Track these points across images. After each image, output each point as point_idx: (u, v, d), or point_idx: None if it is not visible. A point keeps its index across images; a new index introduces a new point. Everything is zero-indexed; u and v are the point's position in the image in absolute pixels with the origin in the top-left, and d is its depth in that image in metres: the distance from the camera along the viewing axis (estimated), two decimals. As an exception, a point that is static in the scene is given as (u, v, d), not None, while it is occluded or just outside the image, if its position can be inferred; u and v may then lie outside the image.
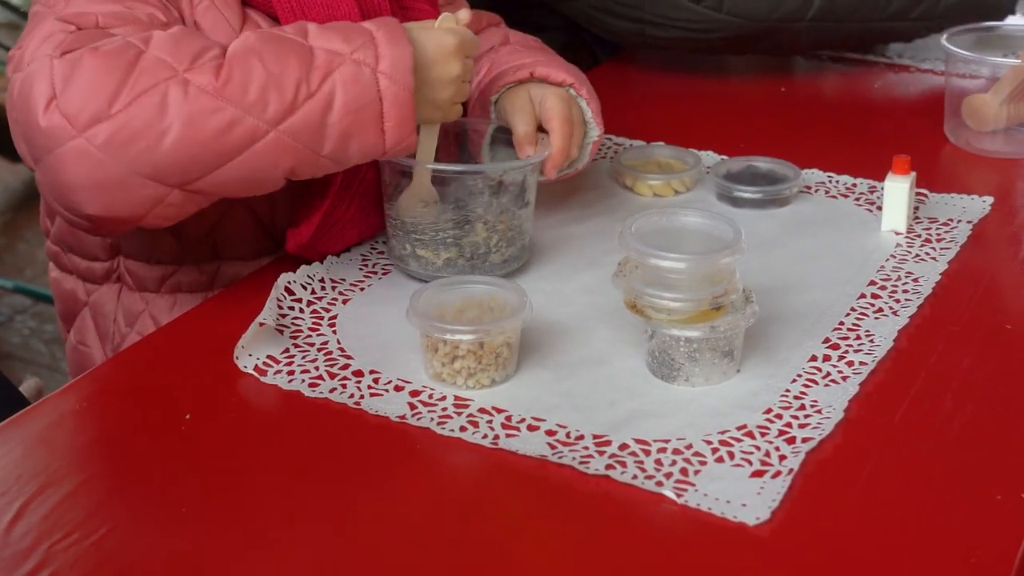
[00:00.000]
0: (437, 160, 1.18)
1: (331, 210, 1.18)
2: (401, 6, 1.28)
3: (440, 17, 1.15)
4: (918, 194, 1.34)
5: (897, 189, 1.28)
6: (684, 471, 0.92)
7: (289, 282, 1.16)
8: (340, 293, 1.18)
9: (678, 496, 0.89)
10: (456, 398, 1.01)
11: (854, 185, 1.41)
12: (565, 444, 0.95)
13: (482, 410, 1.00)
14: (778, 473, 0.92)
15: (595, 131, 1.28)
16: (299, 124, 1.05)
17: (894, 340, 1.09)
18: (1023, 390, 1.03)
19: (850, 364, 1.05)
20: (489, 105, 1.28)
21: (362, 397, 1.02)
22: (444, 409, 1.00)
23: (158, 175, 1.03)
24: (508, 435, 0.97)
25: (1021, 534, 0.85)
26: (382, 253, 1.25)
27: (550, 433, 0.97)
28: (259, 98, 1.04)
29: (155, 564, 0.84)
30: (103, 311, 1.30)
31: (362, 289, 1.19)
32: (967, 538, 0.85)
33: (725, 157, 1.45)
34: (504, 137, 1.25)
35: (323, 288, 1.18)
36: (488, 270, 1.17)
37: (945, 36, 1.54)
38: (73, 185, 1.03)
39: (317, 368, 1.05)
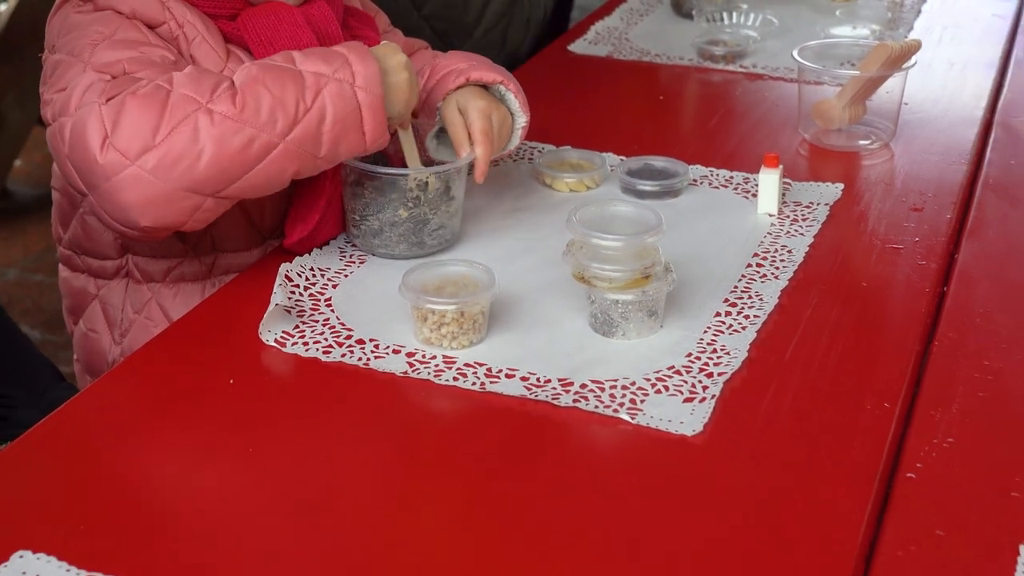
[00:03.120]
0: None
1: (324, 210, 1.43)
2: (352, 35, 1.53)
3: (383, 43, 1.42)
4: (784, 183, 1.64)
5: (769, 179, 1.59)
6: (633, 401, 1.20)
7: (288, 272, 1.41)
8: (329, 279, 1.42)
9: (632, 418, 1.17)
10: (444, 357, 1.27)
11: (731, 177, 1.70)
12: (537, 386, 1.22)
13: (467, 364, 1.26)
14: (704, 399, 1.20)
15: (522, 118, 1.55)
16: (301, 135, 1.30)
17: (778, 298, 1.39)
18: (879, 331, 1.34)
19: (747, 317, 1.35)
20: (435, 110, 1.54)
21: (369, 360, 1.27)
22: (437, 366, 1.26)
23: (197, 188, 1.26)
24: (491, 382, 1.23)
25: (885, 430, 1.15)
26: (355, 247, 1.49)
27: (524, 379, 1.23)
28: (269, 118, 1.28)
29: (228, 483, 1.08)
30: (112, 302, 1.52)
31: (346, 276, 1.44)
32: (846, 436, 1.15)
33: (624, 157, 1.73)
34: (446, 137, 1.52)
35: (314, 275, 1.43)
36: (414, 250, 1.44)
37: (796, 50, 1.85)
38: (130, 204, 1.26)
39: (326, 339, 1.30)
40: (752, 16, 2.28)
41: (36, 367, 1.51)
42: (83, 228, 1.51)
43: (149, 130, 1.24)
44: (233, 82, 1.30)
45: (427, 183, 1.43)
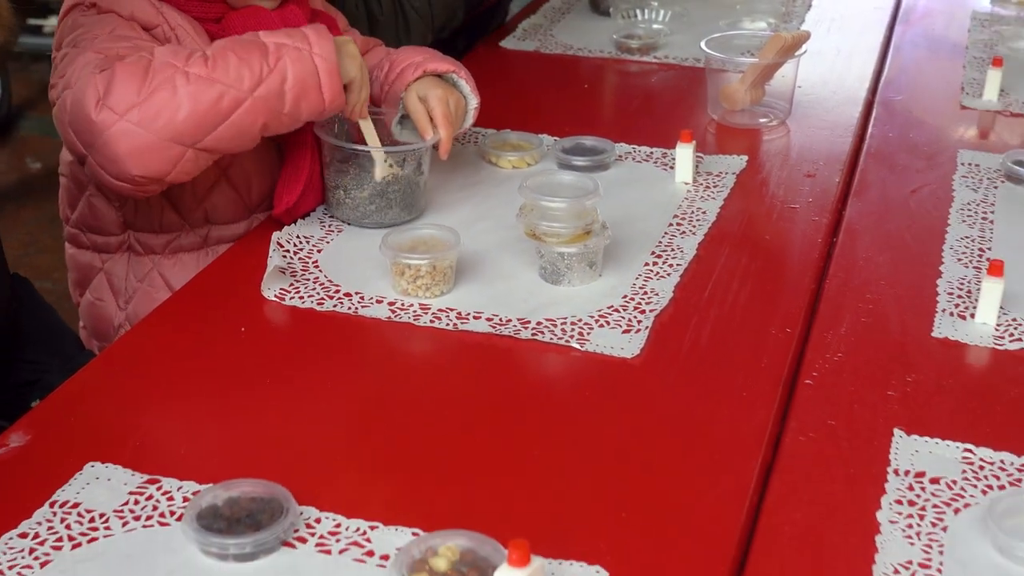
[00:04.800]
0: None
1: (307, 183, 1.66)
2: None
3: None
4: (697, 156, 1.90)
5: (684, 153, 1.84)
6: (581, 333, 1.45)
7: (279, 239, 1.63)
8: (313, 245, 1.65)
9: (581, 346, 1.42)
10: (420, 305, 1.51)
11: (651, 153, 1.96)
12: (501, 325, 1.47)
13: (440, 310, 1.50)
14: (639, 330, 1.46)
15: (474, 100, 1.79)
16: (265, 91, 1.50)
17: (696, 250, 1.65)
18: (780, 273, 1.61)
19: (671, 266, 1.60)
20: (398, 100, 1.77)
21: (356, 308, 1.50)
22: (415, 311, 1.50)
23: (177, 138, 1.47)
24: (462, 323, 1.47)
25: (787, 348, 1.42)
26: (333, 218, 1.72)
27: (489, 320, 1.48)
28: (237, 76, 1.49)
29: (247, 406, 1.31)
30: (116, 273, 1.73)
31: (328, 242, 1.67)
32: (756, 354, 1.41)
33: (557, 138, 1.98)
34: (408, 122, 1.75)
35: (300, 242, 1.66)
36: (393, 218, 1.67)
37: (703, 42, 2.11)
38: (122, 155, 1.46)
39: (318, 293, 1.53)
40: (662, 12, 2.54)
41: (62, 336, 1.71)
42: (89, 208, 1.72)
43: (134, 90, 1.45)
44: (206, 52, 1.51)
45: (404, 160, 1.67)
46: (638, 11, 2.54)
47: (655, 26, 2.50)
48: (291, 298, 1.52)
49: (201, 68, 1.48)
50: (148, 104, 1.45)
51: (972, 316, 1.49)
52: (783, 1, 2.67)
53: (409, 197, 1.70)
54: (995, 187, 1.84)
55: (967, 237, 1.69)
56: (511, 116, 2.06)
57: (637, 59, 2.41)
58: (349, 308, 1.51)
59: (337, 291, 1.54)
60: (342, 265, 1.60)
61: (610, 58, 2.42)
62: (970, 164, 1.92)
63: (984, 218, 1.75)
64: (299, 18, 1.70)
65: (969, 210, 1.77)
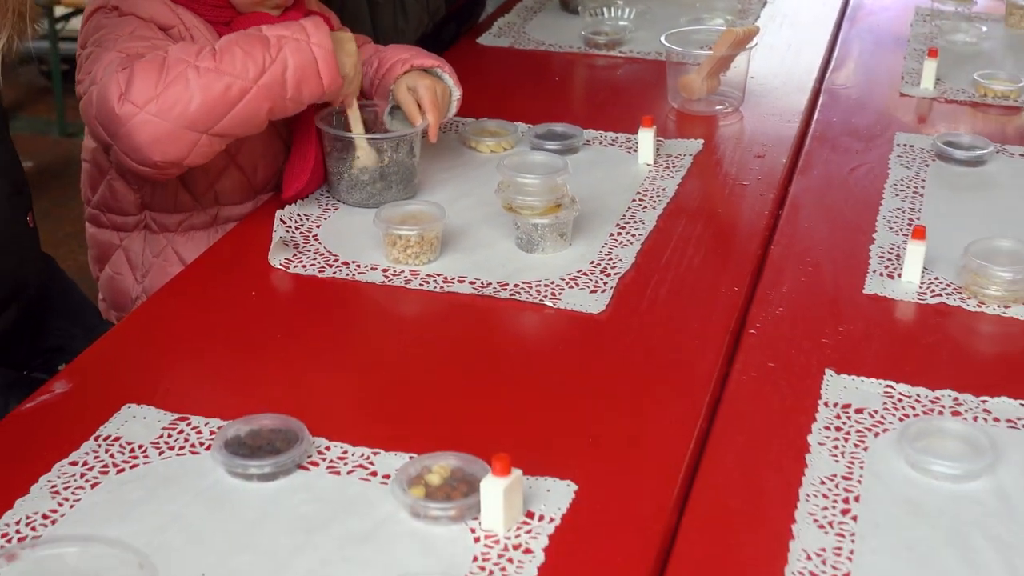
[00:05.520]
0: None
1: (312, 171, 1.84)
2: None
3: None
4: (657, 140, 2.09)
5: (646, 137, 2.04)
6: (554, 293, 1.64)
7: (281, 216, 1.82)
8: (313, 221, 1.84)
9: (554, 304, 1.61)
10: (410, 271, 1.70)
11: (616, 137, 2.15)
12: (483, 287, 1.66)
13: (429, 275, 1.69)
14: (605, 290, 1.65)
15: (457, 92, 1.98)
16: (269, 80, 1.68)
17: (656, 222, 1.84)
18: (731, 241, 1.80)
19: (633, 236, 1.80)
20: (388, 91, 1.96)
21: (354, 275, 1.69)
22: (406, 277, 1.69)
23: (192, 125, 1.65)
24: (448, 286, 1.66)
25: (735, 303, 1.61)
26: (329, 197, 1.91)
27: (472, 283, 1.67)
28: (243, 67, 1.66)
29: (261, 357, 1.50)
30: (134, 249, 1.92)
31: (326, 219, 1.85)
32: (708, 309, 1.60)
33: (531, 125, 2.16)
34: (398, 112, 1.94)
35: (301, 219, 1.84)
36: (394, 196, 1.86)
37: (664, 37, 2.30)
38: (143, 143, 1.64)
39: (319, 263, 1.72)
40: (627, 10, 2.75)
41: (84, 308, 1.89)
42: (110, 191, 1.90)
43: (152, 84, 1.63)
44: (215, 46, 1.69)
45: (398, 145, 1.86)
46: (605, 9, 2.74)
47: (620, 23, 2.70)
48: (295, 267, 1.71)
49: (210, 62, 1.66)
50: (164, 96, 1.63)
51: (899, 276, 1.69)
52: (739, -1, 2.88)
53: (406, 178, 1.89)
54: (927, 165, 2.05)
55: (899, 209, 1.89)
56: (489, 106, 2.24)
57: (604, 53, 2.60)
58: (347, 274, 1.69)
59: (336, 260, 1.73)
60: (339, 238, 1.79)
61: (579, 53, 2.61)
62: (905, 145, 2.12)
63: (915, 192, 1.95)
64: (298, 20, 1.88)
65: (902, 185, 1.97)
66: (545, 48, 2.64)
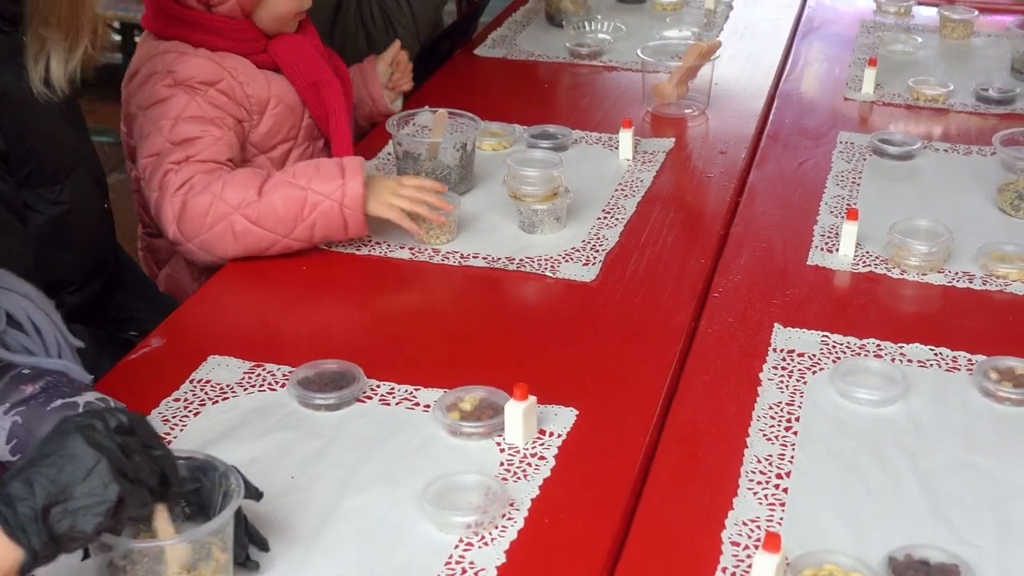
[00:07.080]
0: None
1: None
2: (333, 65, 2.30)
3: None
4: (635, 139, 2.43)
5: (626, 136, 2.39)
6: (553, 266, 1.99)
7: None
8: (346, 209, 2.18)
9: (552, 275, 1.96)
10: (432, 249, 2.04)
11: (600, 137, 2.50)
12: (494, 261, 2.00)
13: (448, 252, 2.03)
14: (595, 263, 2.00)
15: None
16: (298, 235, 1.99)
17: (635, 208, 2.19)
18: (698, 224, 2.15)
19: (616, 219, 2.14)
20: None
21: (386, 252, 2.03)
22: (429, 254, 2.03)
23: (229, 258, 1.99)
24: (464, 261, 2.01)
25: (701, 274, 1.96)
26: (358, 189, 2.25)
27: (485, 259, 2.01)
28: (275, 227, 1.97)
29: (316, 315, 1.84)
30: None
31: (357, 206, 2.20)
32: (677, 278, 1.95)
33: (527, 126, 2.51)
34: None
35: (336, 207, 2.18)
36: (471, 184, 2.23)
37: (640, 49, 2.64)
38: (189, 258, 2.03)
39: (356, 243, 2.06)
40: (606, 24, 3.09)
41: (146, 283, 2.22)
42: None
43: (199, 226, 1.97)
44: (260, 191, 1.97)
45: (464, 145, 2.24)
46: (587, 23, 3.09)
47: (601, 36, 3.05)
48: (335, 247, 2.05)
49: (250, 216, 1.95)
50: (208, 238, 1.97)
51: (837, 250, 2.04)
52: (705, 14, 3.23)
53: (470, 166, 2.25)
54: (864, 159, 2.40)
55: (839, 196, 2.24)
56: (488, 110, 2.58)
57: (587, 63, 2.94)
58: (380, 252, 2.03)
59: (370, 240, 2.07)
60: (373, 224, 2.13)
61: (564, 62, 2.96)
62: (847, 143, 2.48)
63: (853, 182, 2.30)
64: (316, 40, 2.24)
65: (842, 176, 2.33)
66: (535, 58, 2.98)
